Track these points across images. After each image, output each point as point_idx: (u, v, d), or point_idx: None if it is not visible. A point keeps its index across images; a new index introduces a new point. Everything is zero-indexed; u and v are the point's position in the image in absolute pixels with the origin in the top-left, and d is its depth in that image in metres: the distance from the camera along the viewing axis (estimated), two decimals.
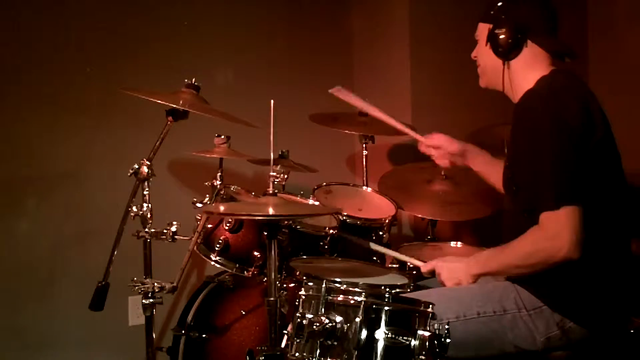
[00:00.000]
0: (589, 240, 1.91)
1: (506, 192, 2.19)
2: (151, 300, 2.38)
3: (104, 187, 3.15)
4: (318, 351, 1.75)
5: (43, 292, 3.07)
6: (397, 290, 2.00)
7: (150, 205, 2.38)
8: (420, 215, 3.19)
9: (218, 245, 2.53)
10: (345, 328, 1.75)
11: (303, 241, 2.54)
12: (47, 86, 3.07)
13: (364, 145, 3.30)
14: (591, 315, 2.01)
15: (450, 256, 2.26)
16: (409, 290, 2.07)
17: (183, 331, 2.70)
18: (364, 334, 1.72)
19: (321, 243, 2.58)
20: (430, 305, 1.80)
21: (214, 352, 2.65)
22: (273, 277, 1.94)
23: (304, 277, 1.91)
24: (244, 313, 2.65)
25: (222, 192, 2.64)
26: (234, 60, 3.52)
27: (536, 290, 2.02)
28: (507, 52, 2.12)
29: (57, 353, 3.07)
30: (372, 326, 1.74)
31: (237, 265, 2.56)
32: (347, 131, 3.35)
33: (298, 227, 2.53)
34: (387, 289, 1.84)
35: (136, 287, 2.37)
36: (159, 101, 2.36)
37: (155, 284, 2.37)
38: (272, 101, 1.97)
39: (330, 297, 1.78)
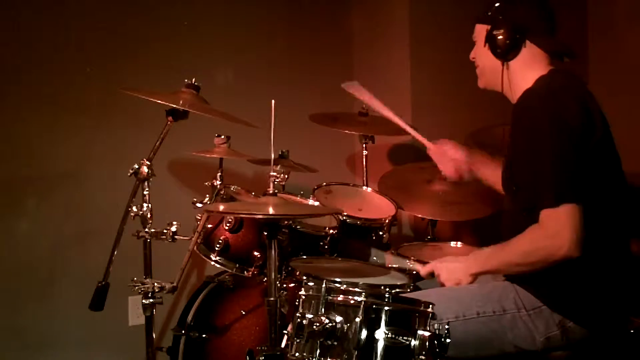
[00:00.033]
0: (588, 240, 1.91)
1: (506, 192, 2.18)
2: (151, 300, 2.38)
3: (104, 187, 3.15)
4: (318, 351, 1.75)
5: (43, 292, 3.07)
6: (397, 290, 2.00)
7: (150, 205, 2.38)
8: (420, 215, 3.19)
9: (218, 245, 2.53)
10: (345, 328, 1.75)
11: (303, 241, 2.55)
12: (47, 86, 3.07)
13: (364, 145, 3.30)
14: (591, 315, 2.01)
15: (448, 256, 2.25)
16: (409, 290, 2.07)
17: (183, 331, 2.70)
18: (364, 334, 1.72)
19: (321, 243, 2.58)
20: (430, 305, 1.80)
21: (214, 352, 2.65)
22: (273, 277, 1.94)
23: (304, 277, 1.91)
24: (244, 313, 2.65)
25: (222, 192, 2.64)
26: (234, 60, 3.52)
27: (536, 290, 2.02)
28: (505, 52, 2.12)
29: (57, 353, 3.07)
30: (372, 326, 1.74)
31: (237, 265, 2.56)
32: (347, 131, 3.34)
33: (298, 227, 2.53)
34: (387, 289, 1.84)
35: (136, 287, 2.37)
36: (159, 101, 2.36)
37: (155, 284, 2.37)
38: (272, 101, 1.97)
39: (330, 297, 1.78)
